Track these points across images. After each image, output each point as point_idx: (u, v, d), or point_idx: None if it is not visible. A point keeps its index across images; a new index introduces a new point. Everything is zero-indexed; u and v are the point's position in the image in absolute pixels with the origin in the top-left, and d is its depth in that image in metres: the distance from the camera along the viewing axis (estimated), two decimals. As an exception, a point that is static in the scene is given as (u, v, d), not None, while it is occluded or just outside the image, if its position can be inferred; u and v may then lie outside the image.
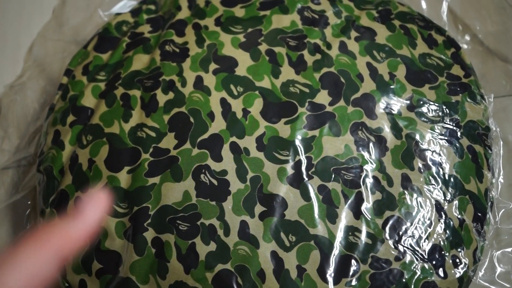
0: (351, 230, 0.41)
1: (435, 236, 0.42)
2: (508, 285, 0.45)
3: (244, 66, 0.48)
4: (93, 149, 0.45)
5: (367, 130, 0.45)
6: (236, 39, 0.49)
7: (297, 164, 0.43)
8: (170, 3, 0.54)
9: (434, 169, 0.44)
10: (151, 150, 0.44)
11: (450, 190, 0.43)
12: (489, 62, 0.56)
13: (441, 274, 0.41)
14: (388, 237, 0.41)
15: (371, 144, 0.44)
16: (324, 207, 0.42)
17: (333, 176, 0.43)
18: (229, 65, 0.48)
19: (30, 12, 0.61)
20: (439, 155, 0.45)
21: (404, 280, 0.40)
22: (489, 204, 0.44)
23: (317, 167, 0.43)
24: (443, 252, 0.41)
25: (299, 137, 0.44)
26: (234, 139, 0.44)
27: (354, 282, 0.40)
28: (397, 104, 0.46)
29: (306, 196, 0.42)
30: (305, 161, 0.43)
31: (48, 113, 0.49)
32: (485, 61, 0.56)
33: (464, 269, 0.41)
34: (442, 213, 0.43)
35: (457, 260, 0.41)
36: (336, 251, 0.40)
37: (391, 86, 0.47)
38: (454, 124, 0.46)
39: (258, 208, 0.42)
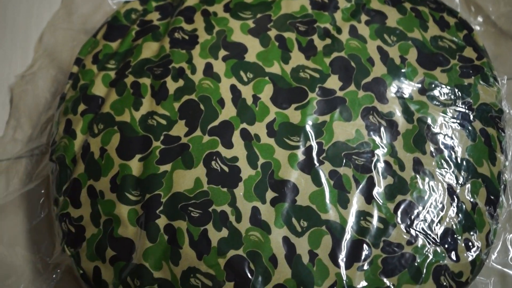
0: (363, 215, 0.41)
1: (447, 220, 0.41)
2: (521, 268, 0.44)
3: (254, 52, 0.47)
4: (105, 138, 0.45)
5: (378, 115, 0.45)
6: (245, 25, 0.49)
7: (308, 150, 0.43)
8: (178, -10, 0.54)
9: (446, 152, 0.44)
10: (162, 137, 0.44)
11: (462, 174, 0.43)
12: (502, 43, 0.55)
13: (454, 257, 0.40)
14: (400, 221, 0.41)
15: (382, 129, 0.44)
16: (336, 192, 0.42)
17: (344, 161, 0.43)
18: (239, 51, 0.47)
19: (40, 2, 0.61)
20: (451, 138, 0.44)
21: (416, 264, 0.40)
22: (502, 187, 0.44)
23: (328, 152, 0.43)
24: (455, 236, 0.41)
25: (310, 122, 0.44)
26: (244, 125, 0.44)
27: (366, 267, 0.40)
28: (409, 88, 0.46)
29: (317, 181, 0.42)
30: (316, 146, 0.43)
31: (59, 103, 0.49)
32: (498, 42, 0.55)
33: (477, 252, 0.41)
34: (455, 196, 0.42)
35: (470, 244, 0.41)
36: (347, 236, 0.40)
37: (402, 70, 0.47)
38: (466, 107, 0.46)
39: (270, 194, 0.42)
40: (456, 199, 0.42)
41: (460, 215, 0.42)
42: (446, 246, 0.41)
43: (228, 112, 0.45)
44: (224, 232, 0.41)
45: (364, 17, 0.49)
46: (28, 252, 0.48)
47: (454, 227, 0.41)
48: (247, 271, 0.39)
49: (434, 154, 0.43)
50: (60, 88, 0.56)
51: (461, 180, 0.43)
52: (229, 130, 0.44)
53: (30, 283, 0.47)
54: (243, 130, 0.44)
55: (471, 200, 0.43)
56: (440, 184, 0.42)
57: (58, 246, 0.44)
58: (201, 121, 0.44)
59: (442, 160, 0.43)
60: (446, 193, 0.42)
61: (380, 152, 0.43)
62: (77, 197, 0.44)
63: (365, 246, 0.40)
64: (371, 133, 0.44)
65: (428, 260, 0.40)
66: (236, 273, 0.39)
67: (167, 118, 0.45)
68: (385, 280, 0.39)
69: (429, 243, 0.41)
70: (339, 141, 0.44)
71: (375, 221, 0.41)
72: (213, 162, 0.43)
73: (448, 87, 0.46)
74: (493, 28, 0.56)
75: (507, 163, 0.46)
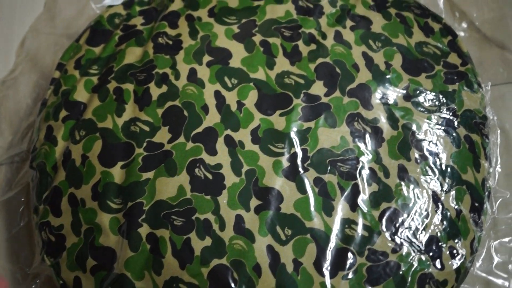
0: (348, 223, 0.41)
1: (432, 227, 0.41)
2: (505, 275, 0.44)
3: (238, 58, 0.47)
4: (86, 145, 0.44)
5: (363, 121, 0.44)
6: (230, 30, 0.49)
7: (293, 157, 0.43)
8: (162, -6, 0.53)
9: (431, 159, 0.44)
10: (145, 144, 0.43)
11: (447, 181, 0.43)
12: (486, 49, 0.55)
13: (438, 265, 0.40)
14: (384, 229, 0.41)
15: (367, 135, 0.44)
16: (320, 200, 0.41)
17: (329, 168, 0.43)
18: (223, 56, 0.47)
19: (22, 5, 0.61)
20: (436, 145, 0.44)
21: (401, 273, 0.40)
22: (486, 194, 0.44)
23: (312, 159, 0.43)
24: (440, 244, 0.41)
25: (295, 129, 0.44)
26: (228, 132, 0.44)
27: (350, 275, 0.39)
28: (393, 94, 0.46)
29: (302, 189, 0.42)
30: (301, 153, 0.43)
31: (41, 108, 0.49)
32: (482, 48, 0.55)
33: (462, 260, 0.41)
34: (439, 203, 0.42)
35: (454, 251, 0.41)
36: (332, 244, 0.40)
37: (387, 76, 0.46)
38: (451, 114, 0.46)
39: (254, 202, 0.41)
40: (440, 206, 0.42)
41: (444, 222, 0.42)
42: (431, 254, 0.40)
43: (212, 118, 0.44)
44: (208, 241, 0.40)
45: (349, 23, 0.49)
46: (6, 262, 0.47)
47: (439, 234, 0.41)
48: (230, 281, 0.39)
49: (418, 161, 0.43)
50: (42, 93, 0.55)
51: (445, 187, 0.43)
52: (213, 137, 0.43)
53: (10, 293, 0.46)
54: (227, 136, 0.43)
55: (456, 207, 0.42)
56: (425, 191, 0.42)
57: (38, 256, 0.43)
58: (184, 128, 0.44)
59: (427, 167, 0.43)
60: (431, 200, 0.42)
61: (365, 159, 0.43)
62: (58, 205, 0.43)
63: (349, 254, 0.40)
64: (356, 139, 0.44)
65: (413, 269, 0.40)
66: (220, 283, 0.39)
67: (150, 124, 0.44)
68: (370, 288, 0.39)
69: (414, 251, 0.40)
70: (324, 147, 0.43)
71: (359, 229, 0.41)
72: (196, 170, 0.42)
73: (433, 93, 0.46)
74: (477, 34, 0.56)
75: (491, 170, 0.46)
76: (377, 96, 0.46)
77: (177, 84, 0.46)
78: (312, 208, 0.41)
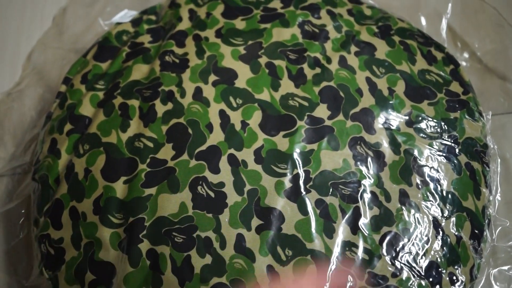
0: (348, 245, 0.41)
1: (432, 252, 0.41)
2: (505, 304, 0.44)
3: (244, 78, 0.48)
4: (90, 159, 0.44)
5: (365, 145, 0.45)
6: (236, 51, 0.49)
7: (295, 178, 0.43)
8: (171, 14, 0.54)
9: (432, 185, 0.44)
10: (148, 160, 0.44)
11: (447, 207, 0.43)
12: (487, 79, 0.56)
13: (438, 291, 0.40)
14: (385, 253, 0.41)
15: (369, 159, 0.44)
16: (322, 222, 0.42)
17: (331, 190, 0.43)
18: (229, 77, 0.48)
19: (31, 20, 0.61)
20: (437, 171, 0.45)
21: (400, 297, 0.39)
22: (486, 221, 0.44)
23: (315, 181, 0.43)
24: (440, 269, 0.41)
25: (298, 150, 0.44)
26: (232, 151, 0.44)
27: (350, 298, 0.39)
28: (396, 119, 0.46)
29: (303, 210, 0.42)
30: (303, 174, 0.43)
31: (45, 121, 0.49)
32: (483, 78, 0.56)
33: (461, 286, 0.41)
34: (440, 229, 0.42)
35: (454, 278, 0.41)
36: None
37: (390, 102, 0.47)
38: (452, 141, 0.46)
39: (255, 221, 0.41)
40: (441, 232, 0.42)
41: (445, 248, 0.42)
42: (431, 279, 0.40)
43: (216, 137, 0.45)
44: (208, 259, 0.40)
45: (353, 48, 0.50)
46: (4, 273, 0.47)
47: (439, 260, 0.41)
48: (229, 300, 0.39)
49: (420, 186, 0.44)
50: (47, 107, 0.55)
51: (446, 213, 0.43)
52: (217, 155, 0.44)
53: (5, 306, 0.45)
54: (231, 155, 0.44)
55: (456, 233, 0.43)
56: (425, 216, 0.43)
57: (36, 269, 0.43)
58: (188, 145, 0.44)
59: (428, 193, 0.43)
60: (432, 225, 0.42)
61: (367, 182, 0.43)
62: (59, 218, 0.43)
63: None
64: (358, 163, 0.44)
65: (412, 294, 0.40)
66: (219, 302, 0.39)
67: (154, 141, 0.45)
68: (369, 312, 0.39)
69: (413, 276, 0.40)
70: (326, 170, 0.44)
71: (360, 252, 0.41)
72: (199, 187, 0.42)
73: (435, 120, 0.47)
74: (478, 64, 0.57)
75: (491, 198, 0.47)
76: (380, 121, 0.46)
77: (182, 102, 0.46)
78: (313, 230, 0.41)
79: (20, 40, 0.60)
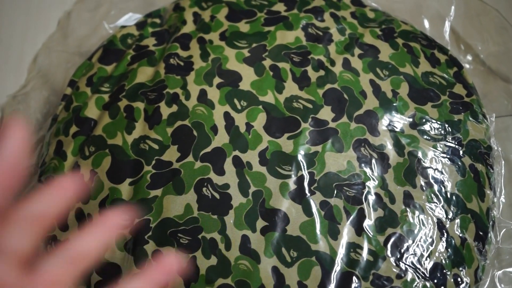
0: (353, 247, 0.41)
1: (436, 254, 0.42)
2: (509, 306, 0.44)
3: (248, 81, 0.48)
4: (96, 160, 0.45)
5: (369, 147, 0.45)
6: (240, 53, 0.50)
7: (300, 179, 0.43)
8: (175, 17, 0.54)
9: (436, 187, 0.44)
10: (153, 162, 0.44)
11: (452, 209, 0.43)
12: (491, 82, 0.56)
13: (443, 293, 0.40)
14: (389, 255, 0.41)
15: (373, 161, 0.44)
16: (326, 223, 0.42)
17: (335, 192, 0.43)
18: (233, 79, 0.48)
19: (36, 24, 0.62)
20: (441, 173, 0.45)
21: (405, 298, 0.40)
22: (490, 223, 0.44)
23: (319, 182, 0.43)
24: (444, 271, 0.41)
25: (302, 152, 0.44)
26: (237, 153, 0.44)
27: (355, 300, 0.39)
28: (400, 121, 0.47)
29: (308, 211, 0.42)
30: (308, 176, 0.43)
31: (51, 124, 0.49)
32: (486, 80, 0.56)
33: (466, 288, 0.41)
34: (444, 231, 0.42)
35: (459, 279, 0.41)
36: (337, 268, 0.40)
37: (394, 104, 0.47)
38: (456, 143, 0.46)
39: (260, 223, 0.41)
40: (445, 234, 0.42)
41: (449, 250, 0.42)
42: (435, 281, 0.41)
43: (221, 139, 0.45)
44: (213, 260, 0.40)
45: (357, 51, 0.50)
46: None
47: (443, 262, 0.41)
48: (235, 301, 0.39)
49: (424, 188, 0.44)
50: (52, 109, 0.55)
51: (450, 215, 0.43)
52: (221, 157, 0.44)
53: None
54: (235, 157, 0.44)
55: (460, 235, 0.43)
56: (430, 218, 0.43)
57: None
58: (193, 147, 0.44)
59: (432, 194, 0.44)
60: (436, 227, 0.42)
61: (371, 184, 0.43)
62: (65, 220, 0.43)
63: (354, 278, 0.40)
64: (363, 165, 0.44)
65: (417, 295, 0.40)
66: (224, 303, 0.39)
67: (159, 142, 0.45)
68: (373, 313, 0.39)
69: (418, 277, 0.40)
70: (330, 171, 0.44)
71: (365, 254, 0.41)
72: (204, 189, 0.42)
73: (439, 122, 0.47)
74: (482, 66, 0.57)
75: (495, 200, 0.47)
76: (384, 123, 0.46)
77: (187, 104, 0.46)
78: (318, 231, 0.41)
79: (26, 44, 0.60)
